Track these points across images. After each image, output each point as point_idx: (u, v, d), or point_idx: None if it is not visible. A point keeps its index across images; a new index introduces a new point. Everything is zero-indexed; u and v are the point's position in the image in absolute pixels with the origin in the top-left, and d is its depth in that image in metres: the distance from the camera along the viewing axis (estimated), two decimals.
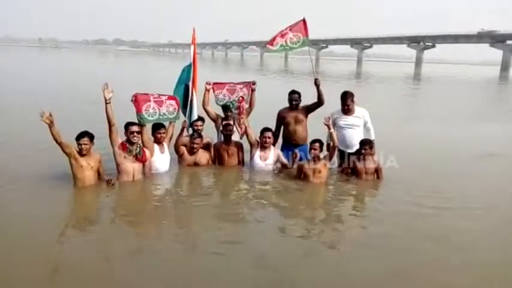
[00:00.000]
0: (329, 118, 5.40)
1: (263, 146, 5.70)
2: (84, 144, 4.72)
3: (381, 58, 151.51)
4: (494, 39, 70.35)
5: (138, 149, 5.07)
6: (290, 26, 6.11)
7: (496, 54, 74.50)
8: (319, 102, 5.83)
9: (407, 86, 31.05)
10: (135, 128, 5.00)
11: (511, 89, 32.60)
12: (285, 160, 5.73)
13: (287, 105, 6.00)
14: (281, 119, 6.00)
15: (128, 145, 5.00)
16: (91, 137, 4.78)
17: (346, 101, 5.70)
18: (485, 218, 4.49)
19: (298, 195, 5.05)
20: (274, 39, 6.08)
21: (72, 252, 3.47)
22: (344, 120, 5.73)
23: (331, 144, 5.37)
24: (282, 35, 6.08)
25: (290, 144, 5.97)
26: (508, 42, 68.96)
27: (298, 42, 6.06)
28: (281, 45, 6.08)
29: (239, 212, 4.48)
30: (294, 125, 5.93)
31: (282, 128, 6.05)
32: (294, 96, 5.93)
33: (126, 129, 5.01)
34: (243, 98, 6.01)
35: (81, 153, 4.74)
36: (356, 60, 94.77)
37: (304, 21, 6.10)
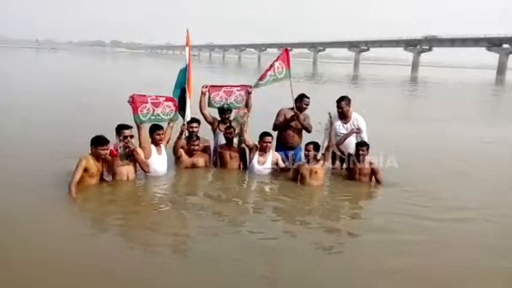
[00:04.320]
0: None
1: (262, 151, 5.68)
2: (106, 149, 4.77)
3: (377, 61, 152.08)
4: (491, 42, 70.82)
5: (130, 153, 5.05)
6: (276, 59, 6.26)
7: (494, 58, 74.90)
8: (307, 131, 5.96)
9: (404, 88, 31.17)
10: (128, 132, 4.96)
11: (507, 92, 32.81)
12: (283, 164, 5.69)
13: (289, 105, 5.93)
14: (291, 118, 5.86)
15: (118, 150, 4.94)
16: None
17: (341, 105, 5.74)
18: (483, 221, 4.47)
19: (296, 196, 5.00)
20: (264, 75, 6.14)
21: (70, 253, 3.42)
22: (340, 126, 5.76)
23: (327, 144, 5.41)
24: (270, 66, 6.16)
25: (285, 146, 5.94)
26: (504, 46, 69.44)
27: (282, 72, 6.18)
28: (270, 76, 6.14)
29: (236, 213, 4.45)
30: (295, 128, 5.91)
31: (281, 127, 5.96)
32: (307, 100, 5.89)
33: (119, 133, 4.93)
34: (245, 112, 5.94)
35: (99, 158, 4.78)
36: (353, 63, 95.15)
37: (286, 51, 6.29)
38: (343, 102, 5.75)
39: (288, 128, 5.92)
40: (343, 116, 5.78)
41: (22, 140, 7.02)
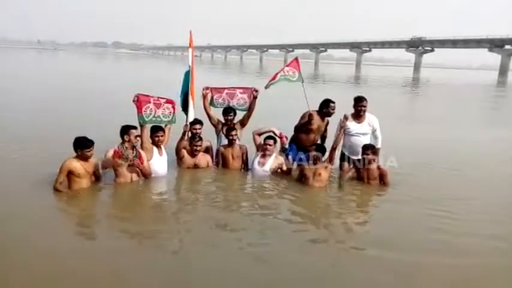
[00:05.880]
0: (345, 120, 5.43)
1: (263, 152, 5.65)
2: (92, 151, 4.68)
3: (379, 62, 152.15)
4: (493, 44, 70.71)
5: (135, 153, 5.00)
6: (286, 64, 6.47)
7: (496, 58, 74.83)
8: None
9: (407, 89, 31.17)
10: (137, 132, 4.95)
11: (508, 94, 32.77)
12: (285, 167, 5.64)
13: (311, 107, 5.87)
14: (309, 120, 5.78)
15: (122, 152, 4.90)
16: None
17: (363, 103, 5.67)
18: (490, 223, 4.42)
19: (297, 198, 4.96)
20: (274, 77, 6.23)
21: (70, 254, 3.40)
22: (354, 127, 5.66)
23: (332, 146, 5.35)
24: (281, 70, 6.27)
25: (302, 148, 5.79)
26: (506, 47, 69.33)
27: (295, 76, 6.28)
28: (281, 76, 6.22)
29: (237, 213, 4.44)
30: (317, 134, 5.87)
31: (301, 129, 5.89)
32: (332, 105, 5.81)
33: (127, 133, 4.90)
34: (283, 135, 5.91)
35: (86, 159, 4.68)
36: (355, 63, 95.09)
37: (296, 60, 6.46)
38: (365, 101, 5.70)
39: (306, 131, 5.86)
40: (358, 116, 5.70)
41: (22, 140, 7.00)
